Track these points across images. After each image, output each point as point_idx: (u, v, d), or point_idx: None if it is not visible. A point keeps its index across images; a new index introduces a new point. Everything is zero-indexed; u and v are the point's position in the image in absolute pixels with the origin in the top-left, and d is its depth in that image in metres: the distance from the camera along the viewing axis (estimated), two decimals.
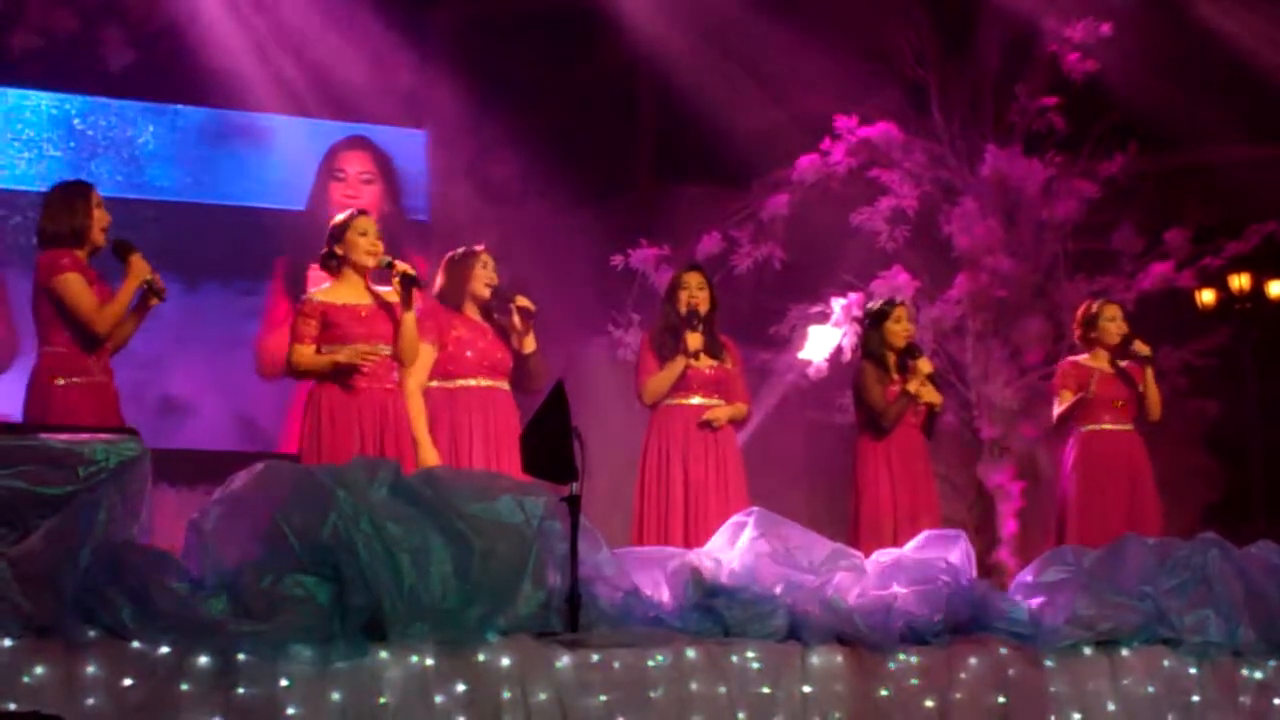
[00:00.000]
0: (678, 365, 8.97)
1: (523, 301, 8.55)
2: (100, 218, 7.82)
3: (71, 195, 7.83)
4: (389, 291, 8.17)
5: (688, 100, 13.68)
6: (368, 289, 8.16)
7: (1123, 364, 9.90)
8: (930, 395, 9.57)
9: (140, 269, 7.83)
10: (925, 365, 9.56)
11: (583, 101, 15.08)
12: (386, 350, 8.05)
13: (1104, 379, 9.91)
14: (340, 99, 14.11)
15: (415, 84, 14.36)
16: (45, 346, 7.73)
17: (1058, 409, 10.04)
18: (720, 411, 9.04)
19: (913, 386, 9.48)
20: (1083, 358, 10.08)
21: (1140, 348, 9.77)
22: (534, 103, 14.66)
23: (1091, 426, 9.91)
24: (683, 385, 9.02)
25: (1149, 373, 9.82)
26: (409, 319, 8.11)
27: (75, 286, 7.63)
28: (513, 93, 14.56)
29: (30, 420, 7.53)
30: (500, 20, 14.95)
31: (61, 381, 7.64)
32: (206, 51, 13.30)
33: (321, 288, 8.17)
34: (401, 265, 8.14)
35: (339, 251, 8.10)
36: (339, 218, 8.21)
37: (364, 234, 8.11)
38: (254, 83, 13.61)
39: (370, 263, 8.10)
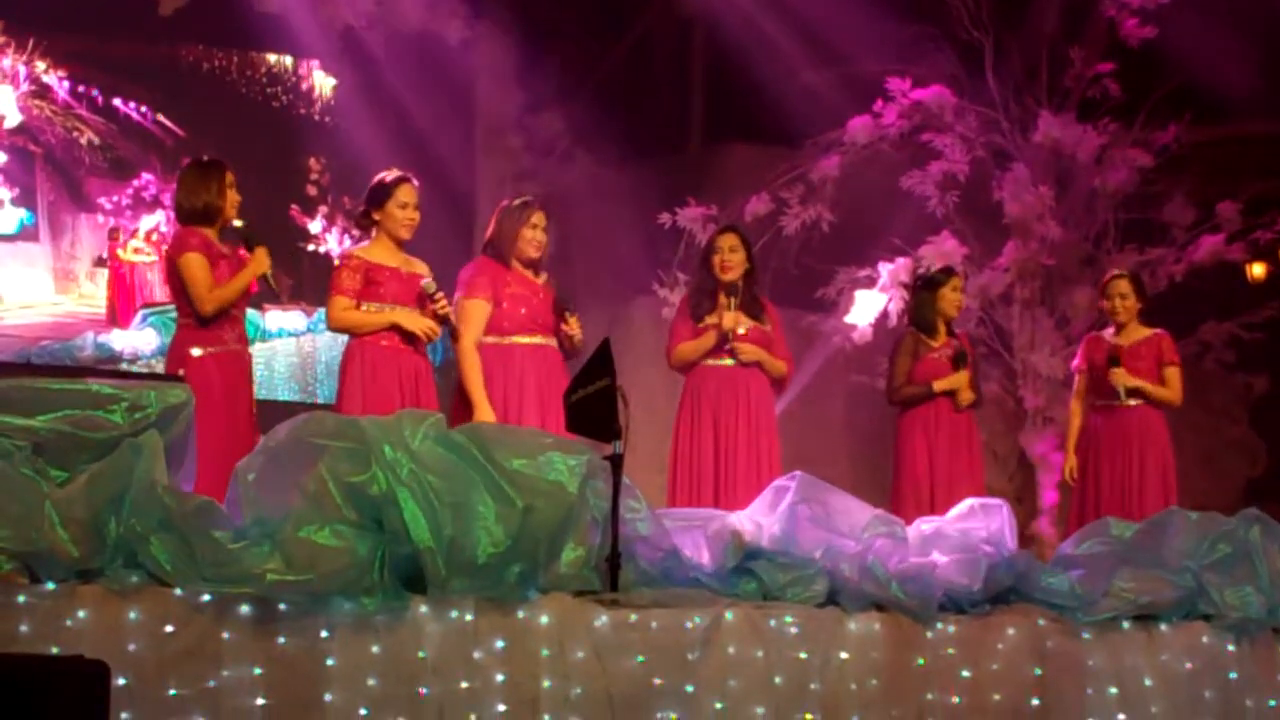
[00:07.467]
0: (708, 340, 8.95)
1: (574, 329, 8.52)
2: (233, 197, 7.94)
3: (208, 174, 7.96)
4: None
5: (740, 59, 13.62)
6: (400, 252, 8.23)
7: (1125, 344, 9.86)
8: (965, 397, 9.61)
9: (261, 263, 7.96)
10: (961, 380, 9.56)
11: (634, 59, 15.04)
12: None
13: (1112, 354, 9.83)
14: (390, 49, 14.07)
15: (466, 37, 14.31)
16: (182, 318, 7.92)
17: (1073, 394, 10.08)
18: (750, 349, 8.99)
19: (939, 386, 9.51)
20: (1106, 332, 10.05)
21: (1118, 381, 9.71)
22: (585, 59, 14.62)
23: (1102, 402, 9.88)
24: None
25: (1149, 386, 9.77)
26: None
27: (195, 266, 7.78)
28: (564, 48, 14.52)
29: None
30: None
31: (197, 352, 7.80)
32: None
33: (362, 245, 8.25)
34: (441, 303, 8.17)
35: (375, 216, 8.14)
36: (383, 179, 8.22)
37: (404, 206, 8.14)
38: (303, 31, 13.59)
39: (406, 235, 8.15)
